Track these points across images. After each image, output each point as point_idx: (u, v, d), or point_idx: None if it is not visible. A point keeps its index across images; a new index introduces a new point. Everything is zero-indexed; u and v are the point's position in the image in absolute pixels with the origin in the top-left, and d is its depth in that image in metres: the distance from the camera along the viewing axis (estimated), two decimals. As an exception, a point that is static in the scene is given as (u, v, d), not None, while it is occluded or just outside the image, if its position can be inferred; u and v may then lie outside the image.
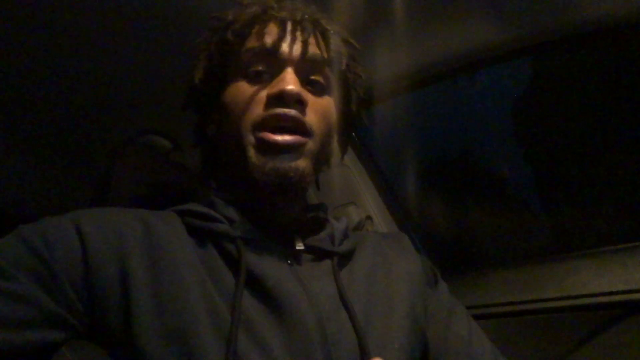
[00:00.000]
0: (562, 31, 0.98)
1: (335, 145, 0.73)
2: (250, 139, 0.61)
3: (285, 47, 0.64)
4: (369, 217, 1.28)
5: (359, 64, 0.74)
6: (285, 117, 0.60)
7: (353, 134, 1.31)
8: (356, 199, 1.30)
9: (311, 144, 0.62)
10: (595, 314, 0.96)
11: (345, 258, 0.65)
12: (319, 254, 0.64)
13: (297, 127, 0.61)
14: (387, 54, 1.09)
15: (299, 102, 0.61)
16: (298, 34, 0.65)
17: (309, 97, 0.63)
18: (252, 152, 0.60)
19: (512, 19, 0.98)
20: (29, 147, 1.34)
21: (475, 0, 0.94)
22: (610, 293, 0.95)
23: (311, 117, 0.63)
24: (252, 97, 0.62)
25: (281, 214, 0.65)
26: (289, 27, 0.65)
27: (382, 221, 1.31)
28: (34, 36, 0.98)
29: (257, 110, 0.61)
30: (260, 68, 0.64)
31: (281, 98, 0.60)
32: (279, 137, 0.60)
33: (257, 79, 0.64)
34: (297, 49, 0.65)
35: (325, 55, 0.67)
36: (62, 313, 0.50)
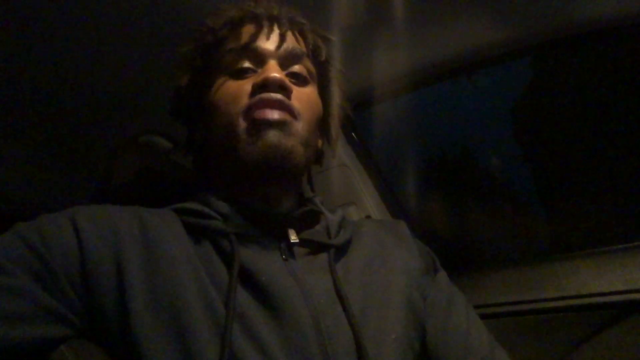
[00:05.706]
0: (562, 31, 0.98)
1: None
2: (241, 123, 0.62)
3: (265, 42, 0.67)
4: (368, 217, 1.28)
5: (338, 60, 0.77)
6: (271, 100, 0.62)
7: (353, 134, 1.32)
8: (356, 199, 1.30)
9: (298, 126, 0.63)
10: (595, 314, 0.96)
11: (341, 250, 0.65)
12: (314, 247, 0.64)
13: (283, 108, 0.62)
14: (387, 54, 1.09)
15: (282, 89, 0.63)
16: (276, 28, 0.68)
17: (292, 86, 0.65)
18: (243, 134, 0.61)
19: (511, 19, 0.98)
20: (29, 147, 1.34)
21: (475, 0, 0.94)
22: (610, 293, 0.95)
23: (296, 103, 0.64)
24: (238, 90, 0.64)
25: (275, 207, 0.66)
26: (266, 23, 0.68)
27: (381, 221, 1.31)
28: (34, 37, 0.98)
29: (244, 100, 0.63)
30: (244, 65, 0.66)
31: (265, 85, 0.62)
32: (269, 113, 0.61)
33: (242, 75, 0.66)
34: (277, 43, 0.67)
35: (303, 48, 0.70)
36: (59, 309, 0.50)
